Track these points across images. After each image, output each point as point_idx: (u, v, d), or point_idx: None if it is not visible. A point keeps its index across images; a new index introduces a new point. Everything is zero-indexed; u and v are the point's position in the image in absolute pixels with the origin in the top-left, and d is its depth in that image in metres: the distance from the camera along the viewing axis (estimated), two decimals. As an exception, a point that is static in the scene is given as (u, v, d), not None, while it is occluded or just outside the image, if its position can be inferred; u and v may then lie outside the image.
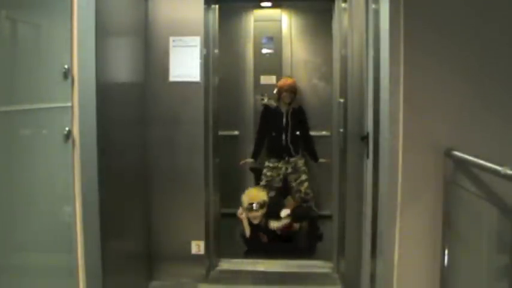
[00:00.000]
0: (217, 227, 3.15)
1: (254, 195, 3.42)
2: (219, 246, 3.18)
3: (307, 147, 3.82)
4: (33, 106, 1.82)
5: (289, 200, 3.81)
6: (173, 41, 2.77)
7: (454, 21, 1.83)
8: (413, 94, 1.84)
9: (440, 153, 1.83)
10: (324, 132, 4.01)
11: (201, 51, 2.77)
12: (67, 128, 1.93)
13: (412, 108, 1.84)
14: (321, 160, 3.78)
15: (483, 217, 1.71)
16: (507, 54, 1.82)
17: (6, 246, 1.73)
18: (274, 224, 3.45)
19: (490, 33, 1.82)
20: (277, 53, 4.31)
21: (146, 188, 2.79)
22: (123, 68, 2.52)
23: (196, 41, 2.76)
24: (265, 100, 4.07)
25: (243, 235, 3.45)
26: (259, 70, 4.33)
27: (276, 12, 4.31)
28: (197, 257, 2.84)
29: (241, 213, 3.41)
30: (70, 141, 1.94)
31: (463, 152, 1.72)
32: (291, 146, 3.72)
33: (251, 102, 4.35)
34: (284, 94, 3.68)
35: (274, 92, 3.82)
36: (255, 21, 4.34)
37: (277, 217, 3.46)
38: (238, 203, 3.45)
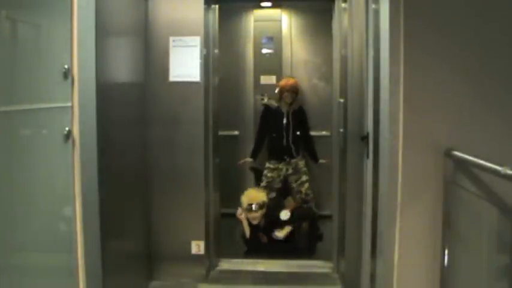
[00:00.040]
0: (217, 227, 3.15)
1: (253, 196, 3.41)
2: (219, 246, 3.17)
3: (308, 148, 3.81)
4: (33, 106, 1.82)
5: (289, 201, 3.81)
6: (173, 41, 2.77)
7: (454, 21, 1.83)
8: (413, 94, 1.84)
9: (440, 153, 1.83)
10: (324, 132, 4.01)
11: (201, 51, 2.77)
12: (67, 128, 1.93)
13: (412, 108, 1.84)
14: (321, 161, 3.78)
15: (483, 217, 1.71)
16: (507, 54, 1.82)
17: (6, 246, 1.73)
18: (278, 234, 3.45)
19: (490, 33, 1.82)
20: (277, 53, 4.30)
21: (146, 188, 2.79)
22: (123, 68, 2.52)
23: (196, 41, 2.76)
24: (266, 100, 4.07)
25: (243, 235, 3.45)
26: (259, 70, 4.32)
27: (276, 12, 4.30)
28: (197, 257, 2.84)
29: (241, 214, 3.41)
30: (70, 141, 1.94)
31: (463, 152, 1.72)
32: (292, 146, 3.72)
33: (251, 102, 4.35)
34: (286, 94, 3.67)
35: (276, 91, 3.80)
36: (255, 21, 4.33)
37: (279, 224, 3.45)
38: (238, 203, 3.45)
